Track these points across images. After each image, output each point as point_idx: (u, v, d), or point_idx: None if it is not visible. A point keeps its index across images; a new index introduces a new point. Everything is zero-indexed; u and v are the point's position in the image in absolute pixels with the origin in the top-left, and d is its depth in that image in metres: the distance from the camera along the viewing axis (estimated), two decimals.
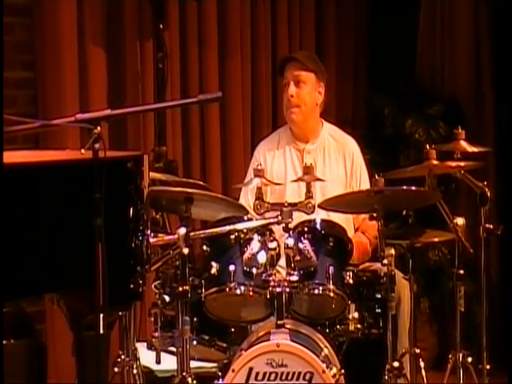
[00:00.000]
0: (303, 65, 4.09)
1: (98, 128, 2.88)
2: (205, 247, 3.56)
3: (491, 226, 3.70)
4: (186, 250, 3.30)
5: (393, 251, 3.43)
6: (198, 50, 5.06)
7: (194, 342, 3.43)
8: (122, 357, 3.47)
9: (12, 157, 3.04)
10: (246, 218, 3.59)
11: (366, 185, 4.06)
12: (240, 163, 4.99)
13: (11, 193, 2.79)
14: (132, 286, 3.02)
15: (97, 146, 2.86)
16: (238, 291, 3.44)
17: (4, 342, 3.51)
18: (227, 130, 5.12)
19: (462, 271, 3.65)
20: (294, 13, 5.38)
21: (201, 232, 3.54)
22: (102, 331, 2.72)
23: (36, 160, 3.06)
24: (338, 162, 4.12)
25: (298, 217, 3.59)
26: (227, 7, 5.13)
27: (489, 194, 3.70)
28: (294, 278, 3.41)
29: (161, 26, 4.80)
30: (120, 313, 3.20)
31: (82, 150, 2.86)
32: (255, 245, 3.50)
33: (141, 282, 3.06)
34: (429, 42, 5.47)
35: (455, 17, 5.38)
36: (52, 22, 4.63)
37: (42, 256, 2.85)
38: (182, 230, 3.32)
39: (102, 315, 2.73)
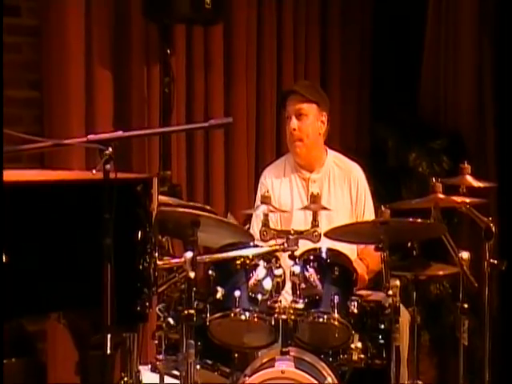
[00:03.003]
0: (304, 97, 4.11)
1: (110, 149, 2.88)
2: (210, 272, 3.56)
3: (496, 262, 3.71)
4: (192, 274, 3.31)
5: (398, 282, 3.44)
6: (204, 75, 5.09)
7: (198, 367, 3.42)
8: (125, 379, 3.45)
9: (22, 175, 3.05)
10: (252, 243, 3.60)
11: (370, 211, 4.09)
12: (243, 189, 5.01)
13: (21, 210, 2.79)
14: (139, 307, 3.01)
15: (108, 167, 2.87)
16: (243, 317, 3.44)
17: (4, 360, 3.50)
18: (231, 156, 5.14)
19: (466, 305, 3.66)
20: (300, 40, 5.42)
21: (207, 256, 3.54)
22: (109, 351, 2.71)
23: (48, 179, 3.06)
24: (343, 190, 4.14)
25: (304, 245, 3.60)
26: (233, 33, 5.17)
27: (494, 230, 3.71)
28: (300, 305, 3.41)
29: (168, 51, 4.83)
30: (125, 334, 3.18)
31: (94, 171, 2.87)
32: (261, 271, 3.50)
33: (147, 304, 3.05)
34: (432, 75, 5.52)
35: (459, 51, 5.43)
36: (59, 42, 4.65)
37: (49, 274, 2.84)
38: (189, 254, 3.33)
39: (109, 335, 2.72)
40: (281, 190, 4.14)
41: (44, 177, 3.23)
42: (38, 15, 4.72)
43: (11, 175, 2.86)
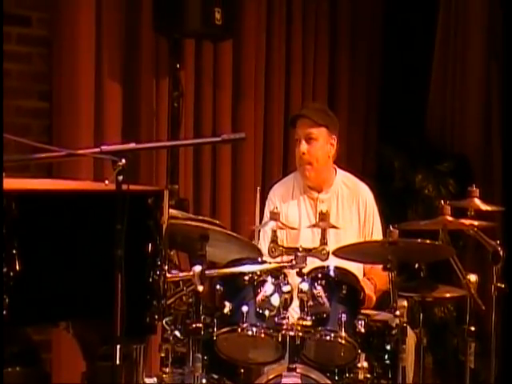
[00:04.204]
0: (313, 121, 4.11)
1: (123, 160, 2.88)
2: (218, 286, 3.55)
3: (503, 285, 3.72)
4: (200, 288, 3.30)
5: (405, 303, 3.44)
6: (213, 91, 5.11)
7: (204, 381, 3.41)
8: None
9: (34, 184, 3.05)
10: (259, 259, 3.60)
11: (378, 231, 4.10)
12: (250, 204, 4.98)
13: (34, 219, 2.78)
14: (148, 319, 3.00)
15: (120, 178, 2.86)
16: (250, 332, 3.44)
17: (9, 369, 3.48)
18: (238, 171, 5.15)
19: (473, 328, 3.66)
20: (308, 62, 5.45)
21: (216, 271, 3.53)
22: (118, 362, 2.69)
23: (62, 188, 3.06)
24: (351, 210, 4.14)
25: (312, 262, 3.60)
26: (242, 50, 5.20)
27: (501, 253, 3.71)
28: (307, 322, 3.41)
29: (177, 65, 4.84)
30: (134, 346, 3.18)
31: (106, 182, 2.86)
32: (269, 287, 3.50)
33: (156, 316, 3.04)
34: (439, 98, 5.54)
35: (466, 74, 5.46)
36: (70, 53, 4.66)
37: (60, 283, 2.83)
38: (198, 268, 3.33)
39: (118, 346, 2.71)
40: (288, 208, 4.14)
41: (57, 186, 3.23)
42: (48, 26, 4.74)
43: (22, 184, 2.86)
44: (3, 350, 2.44)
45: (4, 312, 2.55)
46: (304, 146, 4.09)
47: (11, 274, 2.59)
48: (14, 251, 2.62)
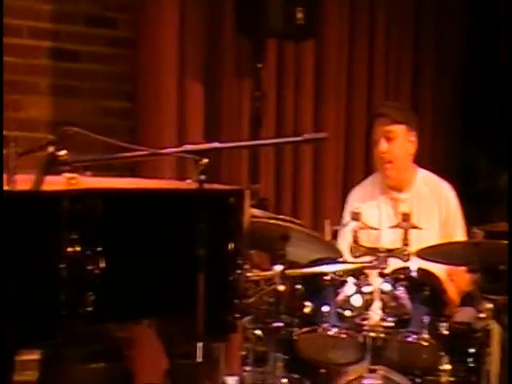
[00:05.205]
0: (392, 119, 4.07)
1: (205, 160, 2.90)
2: (299, 286, 3.55)
3: None
4: (281, 288, 3.31)
5: (491, 306, 3.39)
6: (294, 91, 5.11)
7: (285, 380, 3.41)
8: None
9: (119, 183, 3.09)
10: (340, 259, 3.59)
11: (461, 232, 4.03)
12: (330, 205, 5.00)
13: (119, 217, 2.82)
14: (229, 318, 3.02)
15: (202, 177, 2.89)
16: (331, 332, 3.43)
17: (94, 365, 3.57)
18: (319, 171, 5.14)
19: None
20: (392, 57, 5.39)
21: (296, 270, 3.53)
22: (199, 360, 2.72)
23: (145, 187, 3.10)
24: (432, 210, 4.09)
25: (393, 263, 3.57)
26: (324, 49, 5.18)
27: None
28: (389, 323, 3.38)
29: (259, 65, 4.86)
30: (215, 344, 3.20)
31: (188, 181, 2.89)
32: (350, 287, 3.49)
33: (237, 315, 3.06)
34: None
35: None
36: (154, 54, 4.72)
37: (143, 281, 2.86)
38: (279, 267, 3.34)
39: (200, 344, 2.73)
40: (368, 209, 4.11)
41: (141, 185, 3.27)
42: (133, 27, 4.81)
43: (107, 183, 2.91)
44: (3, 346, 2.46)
45: (89, 309, 2.60)
46: (384, 145, 4.06)
47: (96, 272, 2.64)
48: (99, 249, 2.66)
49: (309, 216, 5.04)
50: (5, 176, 2.52)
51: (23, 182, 2.54)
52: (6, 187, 2.49)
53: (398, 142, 4.06)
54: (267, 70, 4.94)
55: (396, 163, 4.07)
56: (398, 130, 4.07)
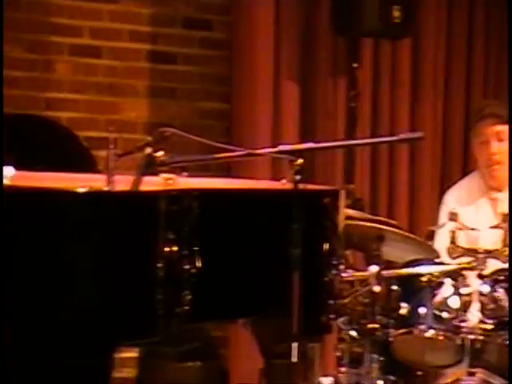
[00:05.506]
0: (503, 119, 3.99)
1: (301, 160, 2.90)
2: (395, 287, 3.52)
3: None
4: (377, 288, 3.29)
5: None
6: (390, 90, 5.06)
7: (380, 382, 3.39)
8: None
9: (214, 184, 3.13)
10: (436, 260, 3.54)
11: None
12: (427, 206, 4.94)
13: (216, 217, 2.85)
14: (324, 318, 3.02)
15: (297, 177, 2.89)
16: (428, 334, 3.39)
17: (190, 363, 3.61)
18: (416, 171, 5.08)
19: None
20: (491, 56, 5.29)
21: (393, 271, 3.50)
22: (294, 360, 2.72)
23: (241, 187, 3.13)
24: None
25: (492, 264, 3.50)
26: (421, 48, 5.12)
27: None
28: (488, 326, 3.32)
29: (355, 65, 4.83)
30: (310, 344, 3.21)
31: (283, 181, 2.90)
32: (447, 289, 3.43)
33: (332, 315, 3.05)
34: None
35: None
36: (249, 55, 4.76)
37: (238, 281, 2.88)
38: (374, 268, 3.32)
39: (295, 344, 2.74)
40: (465, 210, 4.04)
41: (236, 185, 3.30)
42: (229, 29, 4.86)
43: (203, 183, 2.95)
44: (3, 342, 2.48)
45: (186, 308, 2.63)
46: (495, 146, 3.98)
47: (193, 271, 2.67)
48: (196, 249, 2.69)
49: (405, 216, 4.99)
50: (104, 177, 2.58)
51: (122, 182, 2.59)
52: (105, 188, 2.54)
53: (507, 142, 3.99)
54: (363, 70, 4.92)
55: (505, 164, 3.99)
56: (507, 129, 4.00)
